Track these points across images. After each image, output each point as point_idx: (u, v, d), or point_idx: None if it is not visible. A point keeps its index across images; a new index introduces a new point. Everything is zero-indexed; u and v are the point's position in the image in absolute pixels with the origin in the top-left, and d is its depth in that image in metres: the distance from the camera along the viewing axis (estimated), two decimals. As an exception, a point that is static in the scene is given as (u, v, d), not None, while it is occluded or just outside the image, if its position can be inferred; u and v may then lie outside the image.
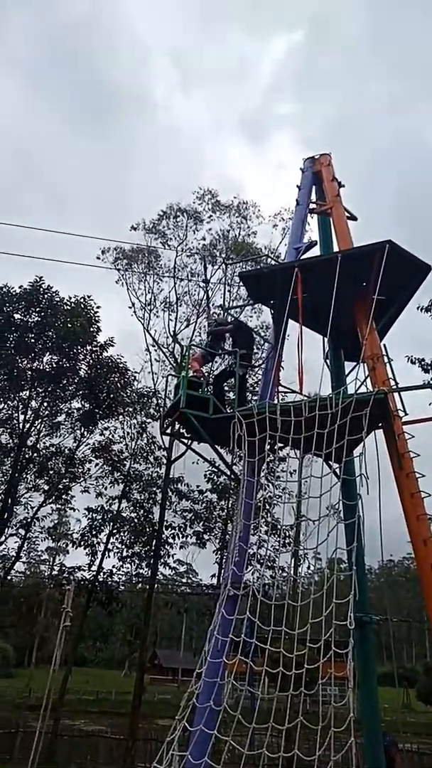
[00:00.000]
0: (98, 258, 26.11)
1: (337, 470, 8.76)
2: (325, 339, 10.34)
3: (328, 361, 10.49)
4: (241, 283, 21.43)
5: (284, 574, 15.11)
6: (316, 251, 10.87)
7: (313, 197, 11.56)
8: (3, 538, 22.21)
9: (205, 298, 24.56)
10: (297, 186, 11.54)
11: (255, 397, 13.05)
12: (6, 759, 19.05)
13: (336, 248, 10.43)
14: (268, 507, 20.71)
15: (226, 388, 9.46)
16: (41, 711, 9.52)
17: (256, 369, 18.62)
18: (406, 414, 8.37)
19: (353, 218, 10.94)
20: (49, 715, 10.35)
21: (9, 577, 26.83)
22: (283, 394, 9.65)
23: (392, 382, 8.61)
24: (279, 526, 10.71)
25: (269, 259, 17.16)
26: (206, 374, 9.57)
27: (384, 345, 9.24)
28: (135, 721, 21.59)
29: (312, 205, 11.45)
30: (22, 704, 32.01)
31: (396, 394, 8.42)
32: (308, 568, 26.22)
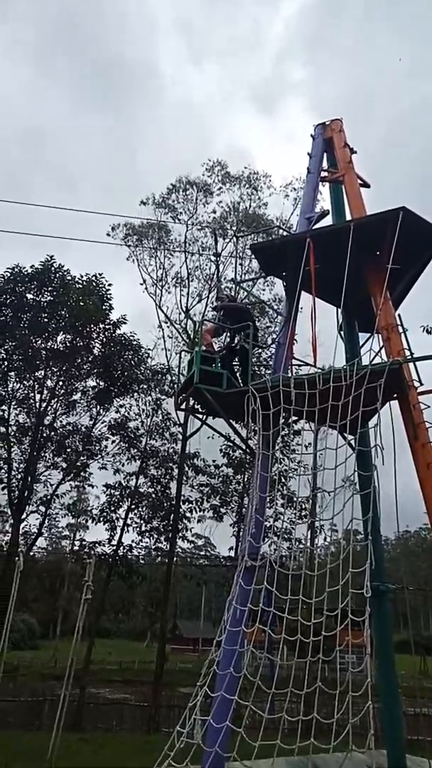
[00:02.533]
0: (108, 235, 25.98)
1: (352, 442, 8.74)
2: (339, 310, 10.22)
3: (341, 332, 10.39)
4: (252, 256, 21.29)
5: (301, 546, 15.26)
6: (328, 221, 10.67)
7: (325, 165, 11.30)
8: (24, 515, 22.68)
9: (216, 272, 24.37)
10: (308, 153, 11.28)
11: (268, 371, 13.02)
12: (36, 725, 19.77)
13: (349, 217, 10.23)
14: (283, 480, 20.84)
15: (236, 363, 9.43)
16: (65, 680, 9.81)
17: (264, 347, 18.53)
18: (421, 384, 8.28)
19: (366, 185, 10.69)
20: (74, 683, 10.67)
21: (31, 553, 27.47)
22: (296, 367, 9.61)
23: (407, 353, 8.50)
24: (295, 499, 10.73)
25: (281, 231, 16.91)
26: (218, 350, 9.51)
27: (398, 315, 9.10)
28: (157, 688, 22.22)
29: (324, 173, 11.20)
30: (48, 674, 33.06)
31: (411, 365, 8.33)
32: (324, 539, 26.45)
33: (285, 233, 14.52)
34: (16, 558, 10.49)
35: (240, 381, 9.06)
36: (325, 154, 11.32)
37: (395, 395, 8.15)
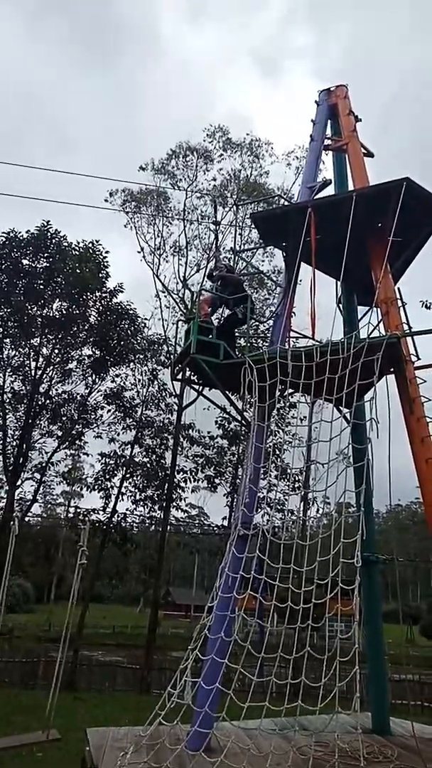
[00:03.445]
0: (106, 201, 25.51)
1: (348, 415, 8.76)
2: (338, 282, 10.12)
3: (340, 305, 10.31)
4: (252, 226, 20.99)
5: (293, 517, 15.46)
6: (330, 190, 10.48)
7: (329, 133, 11.04)
8: (20, 482, 22.84)
9: (215, 241, 24.06)
10: (311, 120, 11.01)
11: (266, 343, 12.96)
12: (31, 684, 20.35)
13: (351, 187, 10.04)
14: (278, 452, 20.99)
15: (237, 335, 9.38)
16: (62, 642, 10.04)
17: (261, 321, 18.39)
18: (418, 359, 8.28)
19: (370, 155, 10.47)
20: (68, 646, 10.94)
21: (27, 520, 27.77)
22: (294, 339, 9.56)
23: (405, 327, 8.47)
24: (289, 471, 10.82)
25: (282, 200, 16.62)
26: (216, 319, 9.44)
27: (398, 289, 9.04)
28: (150, 652, 22.78)
29: (327, 141, 10.96)
30: (43, 637, 33.82)
31: (409, 339, 8.30)
32: (317, 511, 26.77)
33: (286, 203, 14.29)
34: (12, 523, 10.58)
35: (236, 351, 9.02)
36: (329, 122, 11.06)
37: (392, 369, 8.14)
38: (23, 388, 22.92)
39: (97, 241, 23.11)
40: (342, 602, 6.89)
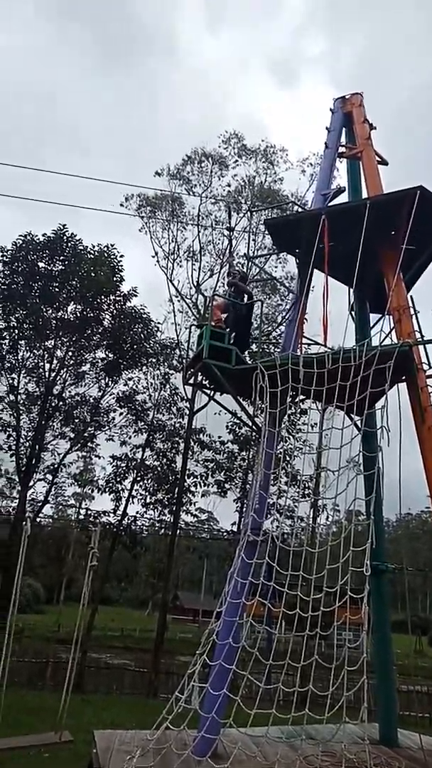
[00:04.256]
0: (122, 205, 25.71)
1: (359, 423, 8.74)
2: (351, 290, 10.12)
3: (353, 312, 10.30)
4: (266, 232, 21.03)
5: (302, 524, 15.42)
6: (344, 198, 10.49)
7: (343, 140, 11.07)
8: (32, 483, 23.03)
9: (228, 247, 24.12)
10: (326, 128, 11.04)
11: (278, 349, 12.96)
12: (40, 685, 20.44)
13: (365, 194, 10.05)
14: (288, 458, 20.94)
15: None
16: (73, 644, 10.12)
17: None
18: (430, 367, 8.24)
19: (384, 163, 10.47)
20: (77, 648, 11.01)
21: (38, 521, 27.94)
22: (306, 345, 9.57)
23: (418, 335, 8.43)
24: (299, 477, 10.79)
25: (295, 207, 16.62)
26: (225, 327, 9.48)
27: (411, 297, 9.01)
28: (157, 655, 22.79)
29: (341, 149, 10.98)
30: (52, 637, 33.92)
31: (421, 347, 8.27)
32: (327, 518, 26.66)
33: (300, 209, 14.31)
34: (24, 523, 10.68)
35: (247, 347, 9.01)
36: (343, 129, 11.08)
37: (404, 378, 8.11)
38: (37, 389, 23.14)
39: (111, 245, 23.34)
40: (351, 611, 6.86)
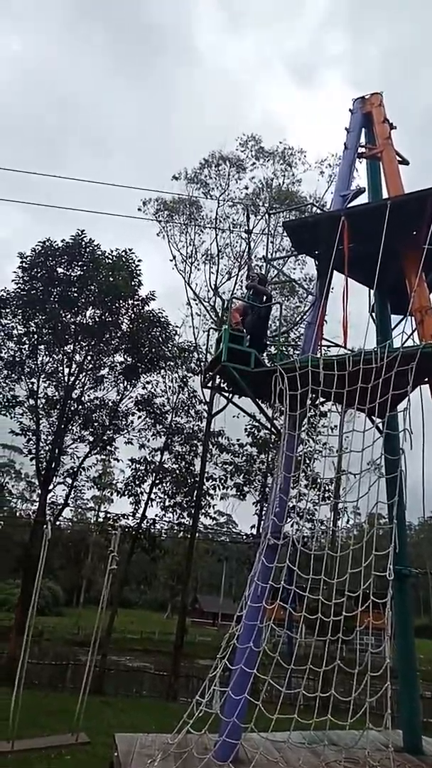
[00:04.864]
0: (139, 209, 25.87)
1: (380, 425, 8.64)
2: (371, 291, 10.02)
3: (373, 314, 10.20)
4: (284, 234, 20.98)
5: (323, 527, 15.28)
6: (363, 199, 10.41)
7: (363, 140, 10.99)
8: (52, 486, 23.20)
9: (247, 249, 24.12)
10: (345, 129, 10.98)
11: (297, 352, 12.90)
12: (59, 687, 20.56)
13: (385, 195, 9.96)
14: (308, 461, 20.81)
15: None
16: (92, 647, 10.16)
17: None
18: (454, 369, 8.11)
19: (405, 162, 10.37)
20: (97, 650, 11.05)
21: (58, 523, 28.15)
22: (326, 347, 9.50)
23: (441, 336, 8.31)
24: (319, 480, 10.71)
25: (314, 208, 16.55)
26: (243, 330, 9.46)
27: (434, 297, 8.89)
28: (177, 658, 22.77)
29: (361, 149, 10.90)
30: (71, 640, 34.16)
31: (444, 348, 8.14)
32: (347, 522, 26.43)
33: (318, 211, 14.24)
34: (45, 527, 10.75)
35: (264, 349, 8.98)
36: (363, 130, 11.01)
37: (427, 379, 8.00)
38: (56, 393, 23.32)
39: (129, 250, 23.47)
40: (373, 615, 6.79)
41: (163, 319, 23.92)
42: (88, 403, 23.77)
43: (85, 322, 22.98)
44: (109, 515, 27.33)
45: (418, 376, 7.52)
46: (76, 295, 22.46)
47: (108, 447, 25.06)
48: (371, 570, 6.66)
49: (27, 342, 22.60)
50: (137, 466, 24.24)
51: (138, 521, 23.96)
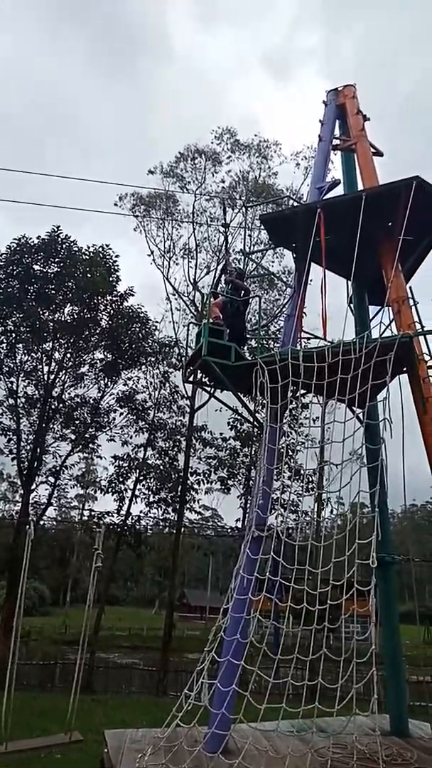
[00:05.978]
0: (116, 205, 25.62)
1: (361, 415, 8.73)
2: (349, 282, 10.09)
3: (351, 305, 10.28)
4: (262, 227, 20.98)
5: (307, 518, 15.42)
6: (339, 190, 10.46)
7: (337, 132, 11.02)
8: (34, 486, 23.00)
9: (225, 243, 24.07)
10: (320, 121, 11.00)
11: (277, 344, 12.95)
12: (49, 687, 20.47)
13: (360, 186, 10.02)
14: (291, 453, 20.94)
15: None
16: (80, 645, 10.13)
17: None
18: (431, 358, 8.23)
19: (379, 154, 10.44)
20: (85, 648, 11.01)
21: (41, 523, 27.93)
22: (305, 339, 9.55)
23: (418, 326, 8.42)
24: (302, 472, 10.77)
25: (291, 201, 16.59)
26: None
27: (410, 288, 8.99)
28: (166, 654, 22.80)
29: (336, 141, 10.94)
30: (59, 639, 34.00)
31: (421, 338, 8.25)
32: (331, 512, 26.66)
33: (295, 203, 14.28)
34: (27, 527, 10.66)
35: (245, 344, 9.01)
36: (337, 122, 11.04)
37: (405, 369, 8.10)
38: (36, 392, 23.09)
39: (107, 245, 23.27)
40: (358, 603, 6.86)
41: (142, 315, 23.81)
42: (69, 401, 23.59)
43: (63, 319, 22.76)
44: (93, 513, 27.24)
45: (397, 365, 7.61)
46: (53, 292, 22.22)
47: (90, 445, 24.92)
48: (355, 558, 6.73)
49: (5, 341, 22.31)
50: (120, 463, 24.16)
51: (123, 518, 23.90)
